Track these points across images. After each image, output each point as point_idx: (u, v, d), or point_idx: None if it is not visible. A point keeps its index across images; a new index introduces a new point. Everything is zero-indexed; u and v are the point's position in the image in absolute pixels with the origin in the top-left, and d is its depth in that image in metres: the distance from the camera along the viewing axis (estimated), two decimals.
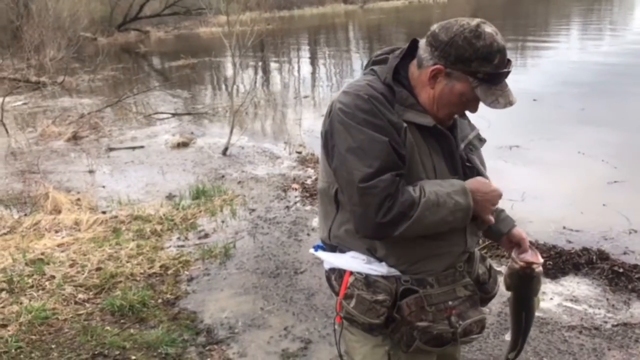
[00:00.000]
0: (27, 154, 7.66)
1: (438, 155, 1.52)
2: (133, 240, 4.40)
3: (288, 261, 4.05)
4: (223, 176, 6.25)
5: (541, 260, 1.60)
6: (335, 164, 1.48)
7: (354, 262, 1.56)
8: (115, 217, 4.96)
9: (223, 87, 13.60)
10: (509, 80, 1.49)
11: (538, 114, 7.90)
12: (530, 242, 1.68)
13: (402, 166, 1.43)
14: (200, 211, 5.04)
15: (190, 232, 4.64)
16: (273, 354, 2.99)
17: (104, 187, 6.13)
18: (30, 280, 3.75)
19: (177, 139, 7.94)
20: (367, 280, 1.53)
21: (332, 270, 1.63)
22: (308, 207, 5.08)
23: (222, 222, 4.85)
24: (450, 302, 1.55)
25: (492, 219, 1.54)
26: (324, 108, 1.55)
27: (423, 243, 1.51)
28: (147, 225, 4.70)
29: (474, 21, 1.44)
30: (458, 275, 1.60)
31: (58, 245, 4.35)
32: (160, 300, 3.54)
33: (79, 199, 5.45)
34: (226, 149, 7.18)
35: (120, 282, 3.75)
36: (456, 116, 1.59)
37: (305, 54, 19.90)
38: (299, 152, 7.02)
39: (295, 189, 5.58)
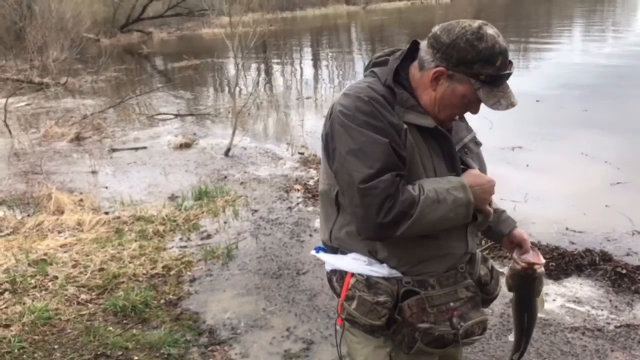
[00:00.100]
0: (30, 155, 7.69)
1: (438, 156, 1.52)
2: (135, 240, 4.41)
3: (290, 262, 4.05)
4: (225, 177, 6.26)
5: (543, 260, 1.60)
6: (335, 166, 1.48)
7: (355, 263, 1.56)
8: (118, 217, 4.97)
9: (225, 88, 13.59)
10: (511, 81, 1.49)
11: (540, 115, 7.88)
12: (532, 243, 1.68)
13: (403, 167, 1.43)
14: (202, 212, 5.05)
15: (193, 233, 4.65)
16: (275, 354, 2.99)
17: (106, 187, 6.15)
18: (33, 281, 3.76)
19: (180, 139, 7.94)
20: (369, 282, 1.53)
21: (334, 271, 1.63)
22: (310, 208, 5.09)
23: (225, 222, 4.86)
24: (451, 304, 1.55)
25: (490, 209, 1.54)
26: (327, 109, 1.55)
27: (424, 244, 1.51)
28: (149, 226, 4.72)
29: (476, 23, 1.44)
30: (459, 277, 1.60)
31: (61, 246, 4.36)
32: (162, 301, 3.55)
33: (81, 200, 5.46)
34: (228, 149, 7.19)
35: (123, 282, 3.75)
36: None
37: (307, 55, 19.89)
38: (302, 153, 7.02)
39: (298, 190, 5.58)
